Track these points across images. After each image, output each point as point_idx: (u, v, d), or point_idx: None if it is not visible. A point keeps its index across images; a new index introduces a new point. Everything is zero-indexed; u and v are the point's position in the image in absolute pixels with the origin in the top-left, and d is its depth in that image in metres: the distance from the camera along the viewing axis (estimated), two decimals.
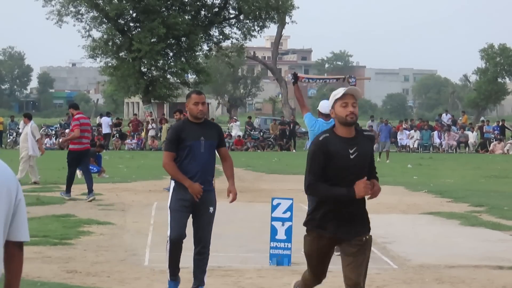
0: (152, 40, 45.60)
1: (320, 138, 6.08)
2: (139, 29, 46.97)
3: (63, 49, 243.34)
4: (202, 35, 48.70)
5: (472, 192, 19.40)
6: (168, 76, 49.22)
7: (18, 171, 20.18)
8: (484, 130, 45.10)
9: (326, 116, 10.43)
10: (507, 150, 41.55)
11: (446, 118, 48.50)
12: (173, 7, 47.82)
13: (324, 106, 10.58)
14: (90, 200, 16.47)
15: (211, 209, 8.12)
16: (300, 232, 6.99)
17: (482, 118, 57.94)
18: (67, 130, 37.52)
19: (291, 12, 50.65)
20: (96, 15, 47.18)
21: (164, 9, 47.56)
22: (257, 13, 48.76)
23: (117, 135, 44.81)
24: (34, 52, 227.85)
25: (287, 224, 9.81)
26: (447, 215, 14.88)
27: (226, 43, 51.55)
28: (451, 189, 19.93)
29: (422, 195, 18.97)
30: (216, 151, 8.17)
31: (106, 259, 10.09)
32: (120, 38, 47.57)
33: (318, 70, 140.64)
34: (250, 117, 50.40)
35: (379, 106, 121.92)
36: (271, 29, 78.83)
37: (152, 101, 49.10)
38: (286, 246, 9.80)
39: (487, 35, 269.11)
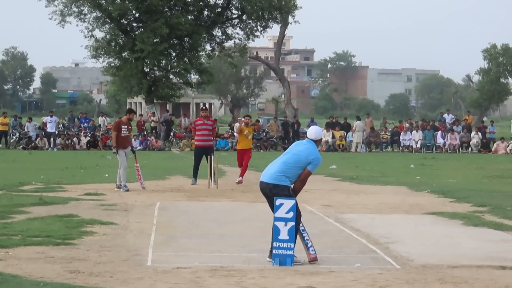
0: (155, 40, 45.53)
1: None
2: (142, 29, 46.91)
3: (66, 49, 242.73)
4: (205, 35, 48.64)
5: (475, 192, 19.35)
6: (171, 76, 49.13)
7: (20, 171, 20.12)
8: (488, 131, 44.91)
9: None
10: (510, 150, 41.46)
11: (448, 118, 48.31)
12: (176, 7, 47.77)
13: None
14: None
15: None
16: None
17: (484, 118, 57.81)
18: None
19: (294, 12, 50.52)
20: (99, 15, 47.11)
21: (167, 9, 47.52)
22: (260, 13, 48.66)
23: None
24: (37, 52, 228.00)
25: (290, 224, 9.82)
26: (449, 215, 14.86)
27: (229, 43, 51.49)
28: (454, 189, 19.88)
29: (425, 195, 18.94)
30: None
31: (109, 259, 10.09)
32: (123, 38, 47.53)
33: (321, 71, 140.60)
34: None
35: (382, 106, 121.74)
36: (274, 29, 78.38)
37: (155, 101, 49.11)
38: (289, 246, 9.81)
39: (490, 35, 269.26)
